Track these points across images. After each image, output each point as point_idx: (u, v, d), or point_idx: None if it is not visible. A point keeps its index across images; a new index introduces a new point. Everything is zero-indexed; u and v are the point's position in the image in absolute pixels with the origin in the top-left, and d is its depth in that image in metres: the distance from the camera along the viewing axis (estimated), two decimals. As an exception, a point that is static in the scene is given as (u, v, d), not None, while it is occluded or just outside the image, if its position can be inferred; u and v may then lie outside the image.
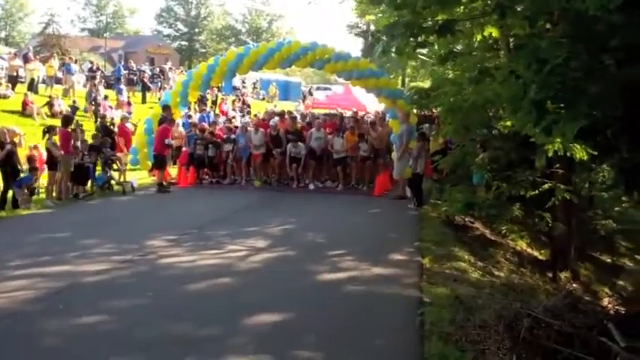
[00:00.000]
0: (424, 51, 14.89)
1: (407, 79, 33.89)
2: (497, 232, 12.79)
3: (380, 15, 13.23)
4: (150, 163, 16.73)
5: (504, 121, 11.41)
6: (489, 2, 6.87)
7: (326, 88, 46.43)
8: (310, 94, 45.82)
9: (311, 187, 16.73)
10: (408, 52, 7.83)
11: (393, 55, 7.75)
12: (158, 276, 8.14)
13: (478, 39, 8.21)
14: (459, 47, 12.58)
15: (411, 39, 6.96)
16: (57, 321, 6.31)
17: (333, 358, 5.65)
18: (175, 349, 5.65)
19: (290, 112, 20.15)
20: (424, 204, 13.88)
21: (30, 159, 13.32)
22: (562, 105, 5.41)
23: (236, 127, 18.55)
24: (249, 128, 17.72)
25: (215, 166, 17.43)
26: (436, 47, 11.35)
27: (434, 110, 16.82)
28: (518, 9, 6.42)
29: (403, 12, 6.63)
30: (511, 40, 8.51)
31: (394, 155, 15.03)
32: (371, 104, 26.33)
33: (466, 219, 12.92)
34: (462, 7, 7.30)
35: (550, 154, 9.39)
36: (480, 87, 8.34)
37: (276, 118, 18.37)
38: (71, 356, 5.49)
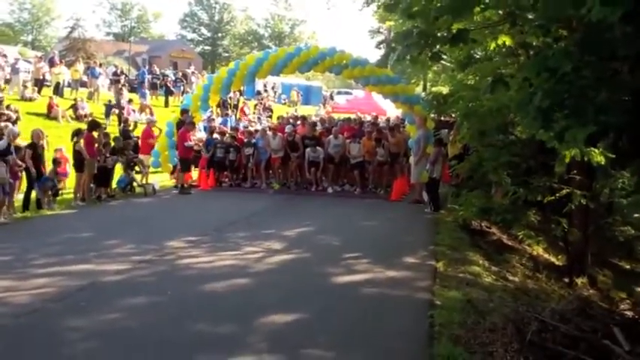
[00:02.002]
0: (443, 57, 15.02)
1: (428, 84, 33.89)
2: (514, 237, 12.85)
3: (400, 21, 13.33)
4: (171, 166, 17.02)
5: (522, 126, 11.48)
6: (501, 12, 6.98)
7: (347, 93, 46.68)
8: (331, 98, 46.01)
9: (329, 190, 16.91)
10: (423, 61, 7.94)
11: (407, 63, 7.89)
12: (176, 276, 8.35)
13: (492, 47, 8.31)
14: (479, 53, 12.65)
15: (426, 49, 7.08)
16: (78, 318, 6.53)
17: (343, 357, 5.81)
18: (191, 346, 5.84)
19: (307, 118, 20.84)
20: (441, 209, 13.97)
21: (55, 161, 13.62)
22: (568, 112, 5.51)
23: (256, 130, 18.68)
24: (268, 132, 17.83)
25: (235, 170, 17.63)
26: (456, 53, 11.45)
27: (452, 115, 16.89)
28: (530, 17, 6.53)
29: (416, 21, 6.76)
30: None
31: (411, 160, 15.13)
32: (391, 109, 26.48)
33: (482, 224, 13.00)
34: (475, 17, 7.41)
35: (568, 160, 9.46)
36: (496, 94, 8.43)
37: (291, 124, 18.64)
38: (91, 352, 5.69)
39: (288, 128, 17.97)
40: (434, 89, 20.67)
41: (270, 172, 17.97)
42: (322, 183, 17.39)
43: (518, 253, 11.73)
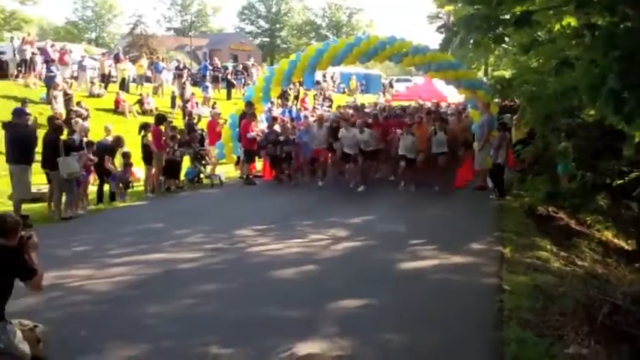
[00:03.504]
0: (506, 40, 14.81)
1: (490, 69, 33.42)
2: (582, 222, 12.64)
3: (460, 5, 13.15)
4: (235, 157, 17.33)
5: (588, 109, 11.27)
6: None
7: (406, 80, 46.31)
8: (391, 86, 45.76)
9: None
10: (486, 44, 7.91)
11: (469, 47, 7.86)
12: (247, 263, 8.59)
13: (556, 29, 8.19)
14: (542, 36, 12.44)
15: (489, 32, 7.06)
16: (155, 304, 6.81)
17: (412, 340, 5.91)
18: (263, 330, 6.04)
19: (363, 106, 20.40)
20: (506, 194, 13.81)
21: (124, 155, 14.06)
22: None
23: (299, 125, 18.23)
24: (311, 124, 17.06)
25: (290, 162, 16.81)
26: (519, 36, 11.30)
27: (516, 100, 16.66)
28: None
29: (478, 5, 6.75)
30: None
31: (475, 145, 14.98)
32: (452, 95, 26.23)
33: (549, 209, 12.82)
34: (538, -1, 7.35)
35: (637, 141, 9.27)
36: (561, 76, 8.32)
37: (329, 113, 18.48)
38: (168, 335, 5.94)
39: (329, 116, 17.86)
40: (496, 73, 20.40)
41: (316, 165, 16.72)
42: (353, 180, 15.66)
43: (586, 238, 11.53)
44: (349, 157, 15.52)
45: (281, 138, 16.23)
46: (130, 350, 5.56)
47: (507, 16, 6.62)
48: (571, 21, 7.70)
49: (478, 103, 15.75)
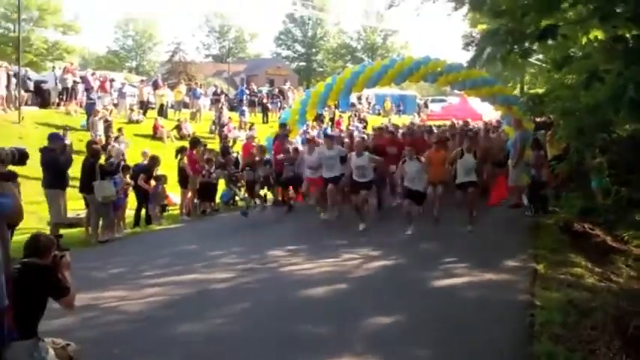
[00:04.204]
0: (539, 57, 14.72)
1: (526, 87, 33.21)
2: (619, 238, 12.41)
3: (489, 25, 13.14)
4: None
5: (622, 124, 11.12)
6: (590, 6, 6.86)
7: (441, 100, 46.29)
8: (426, 106, 45.77)
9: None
10: (513, 60, 7.91)
11: (498, 62, 7.87)
12: (278, 282, 8.66)
13: (583, 43, 8.14)
14: (575, 52, 12.35)
15: (515, 46, 7.07)
16: (187, 323, 6.91)
17: (441, 356, 5.89)
18: (293, 347, 6.09)
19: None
20: (546, 212, 13.59)
21: (157, 178, 14.30)
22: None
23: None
24: (300, 147, 16.20)
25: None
26: (552, 53, 11.23)
27: (550, 117, 16.49)
28: (619, 10, 6.41)
29: (504, 20, 6.77)
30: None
31: (510, 162, 14.84)
32: (487, 113, 26.14)
33: (585, 226, 12.62)
34: (564, 13, 7.32)
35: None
36: (591, 90, 8.26)
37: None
38: (198, 353, 6.03)
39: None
40: (532, 91, 20.24)
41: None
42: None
43: (623, 255, 11.31)
44: (357, 187, 12.74)
45: (257, 158, 14.90)
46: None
47: (532, 30, 6.62)
48: (598, 34, 7.66)
49: (511, 119, 15.67)
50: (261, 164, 14.63)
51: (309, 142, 14.87)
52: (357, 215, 12.68)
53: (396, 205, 14.61)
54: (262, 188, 15.11)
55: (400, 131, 17.84)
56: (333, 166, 13.13)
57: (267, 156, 15.54)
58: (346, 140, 16.55)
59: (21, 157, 4.86)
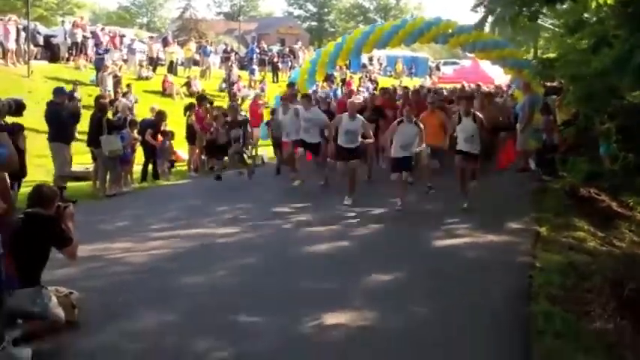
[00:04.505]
0: (553, 21, 14.56)
1: (539, 52, 32.89)
2: (625, 204, 12.41)
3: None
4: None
5: (632, 90, 11.03)
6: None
7: (453, 63, 45.91)
8: (438, 69, 45.42)
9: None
10: (523, 22, 7.84)
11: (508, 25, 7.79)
12: (282, 238, 8.77)
13: (593, 7, 8.04)
14: (589, 17, 12.19)
15: (524, 9, 7.00)
16: (189, 275, 7.02)
17: (438, 313, 5.98)
18: (294, 300, 6.20)
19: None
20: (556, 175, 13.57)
21: (165, 133, 14.33)
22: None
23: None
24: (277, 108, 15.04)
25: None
26: (565, 18, 11.11)
27: (562, 82, 16.35)
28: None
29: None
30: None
31: (518, 126, 14.76)
32: (499, 77, 25.97)
33: (591, 190, 12.61)
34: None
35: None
36: (600, 55, 8.19)
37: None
38: (200, 303, 6.14)
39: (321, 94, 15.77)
40: (544, 56, 20.03)
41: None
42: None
43: (628, 220, 11.33)
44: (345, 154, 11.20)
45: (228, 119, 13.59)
46: (161, 316, 5.75)
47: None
48: None
49: (520, 83, 15.56)
50: (236, 125, 13.24)
51: (283, 101, 13.88)
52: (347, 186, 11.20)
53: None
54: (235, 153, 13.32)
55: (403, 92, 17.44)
56: (308, 130, 12.07)
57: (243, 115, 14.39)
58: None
59: (17, 107, 4.92)
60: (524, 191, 12.63)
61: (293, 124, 12.44)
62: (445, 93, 20.26)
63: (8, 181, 5.12)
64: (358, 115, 11.36)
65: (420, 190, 11.65)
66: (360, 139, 11.25)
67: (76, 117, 12.14)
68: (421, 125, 10.90)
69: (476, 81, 26.85)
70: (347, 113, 11.30)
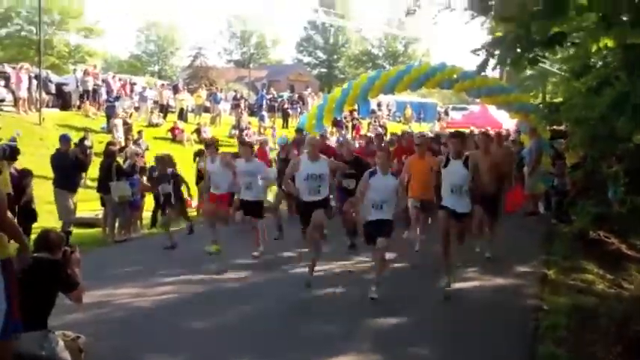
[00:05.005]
0: (560, 66, 14.70)
1: (548, 96, 33.08)
2: (634, 246, 12.37)
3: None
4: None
5: (637, 133, 11.09)
6: (597, 14, 6.89)
7: (462, 108, 46.19)
8: (446, 114, 45.74)
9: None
10: (524, 65, 7.94)
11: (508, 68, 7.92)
12: (290, 282, 8.79)
13: (593, 51, 8.16)
14: (594, 61, 12.32)
15: (525, 53, 7.10)
16: (196, 319, 7.07)
17: (448, 356, 5.97)
18: (302, 343, 6.25)
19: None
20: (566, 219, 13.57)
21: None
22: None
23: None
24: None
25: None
26: (571, 62, 11.23)
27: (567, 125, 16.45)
28: (625, 18, 6.44)
29: (510, 26, 6.82)
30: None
31: (525, 170, 14.81)
32: (508, 121, 26.06)
33: (600, 233, 12.59)
34: (573, 20, 7.34)
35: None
36: (602, 97, 8.28)
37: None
38: (206, 347, 6.20)
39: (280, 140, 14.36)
40: (551, 100, 20.15)
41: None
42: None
43: (637, 262, 11.29)
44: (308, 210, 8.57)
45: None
46: (166, 360, 5.79)
47: (540, 37, 6.65)
48: (608, 42, 7.68)
49: (527, 127, 15.67)
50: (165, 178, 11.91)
51: (208, 147, 11.40)
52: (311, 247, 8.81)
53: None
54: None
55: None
56: (250, 186, 10.25)
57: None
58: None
59: (12, 152, 5.05)
60: (533, 235, 12.60)
61: (223, 176, 10.56)
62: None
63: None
64: (322, 156, 8.79)
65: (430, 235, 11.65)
66: (325, 187, 8.61)
67: (81, 165, 12.25)
68: (405, 176, 9.61)
69: (484, 126, 26.92)
70: (305, 154, 8.87)
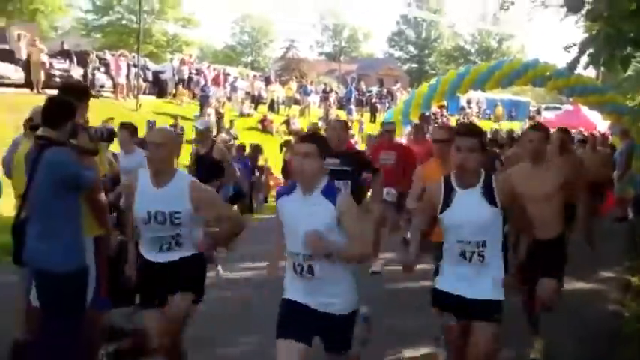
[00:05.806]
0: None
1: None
2: None
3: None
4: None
5: None
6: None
7: (555, 108, 44.87)
8: (538, 113, 44.59)
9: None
10: (616, 65, 7.77)
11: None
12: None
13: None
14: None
15: (615, 52, 6.96)
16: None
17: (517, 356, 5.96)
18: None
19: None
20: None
21: (260, 168, 14.84)
22: None
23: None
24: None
25: None
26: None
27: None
28: None
29: (601, 24, 6.69)
30: None
31: (614, 174, 14.32)
32: (602, 123, 25.24)
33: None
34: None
35: None
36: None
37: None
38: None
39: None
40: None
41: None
42: None
43: None
44: None
45: None
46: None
47: (632, 35, 6.52)
48: None
49: (619, 129, 15.17)
50: None
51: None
52: None
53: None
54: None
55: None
56: None
57: None
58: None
59: (109, 135, 5.29)
60: (618, 240, 12.24)
61: None
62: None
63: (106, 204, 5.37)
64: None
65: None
66: None
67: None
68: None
69: (577, 126, 26.28)
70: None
